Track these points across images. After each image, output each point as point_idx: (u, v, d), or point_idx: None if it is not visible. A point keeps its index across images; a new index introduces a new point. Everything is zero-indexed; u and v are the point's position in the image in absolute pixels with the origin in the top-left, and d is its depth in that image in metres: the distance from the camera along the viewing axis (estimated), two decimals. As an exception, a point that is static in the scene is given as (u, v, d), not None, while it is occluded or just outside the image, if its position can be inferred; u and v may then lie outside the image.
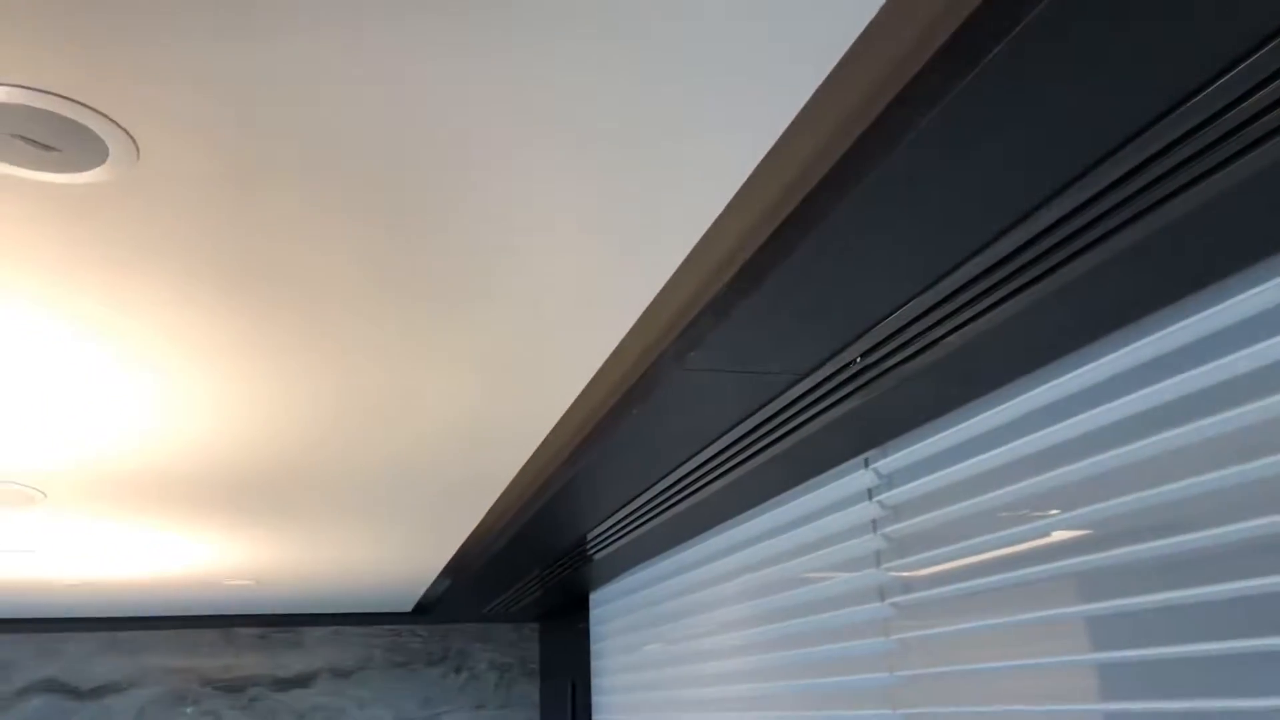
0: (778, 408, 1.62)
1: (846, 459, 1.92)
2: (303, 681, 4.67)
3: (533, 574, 3.50)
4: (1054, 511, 1.49)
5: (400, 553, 3.27)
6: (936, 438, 1.71)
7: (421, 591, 4.21)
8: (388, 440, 2.00)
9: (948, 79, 0.84)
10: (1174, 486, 1.26)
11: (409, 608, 4.73)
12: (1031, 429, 1.51)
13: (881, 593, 1.90)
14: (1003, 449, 1.56)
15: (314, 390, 1.70)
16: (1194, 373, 1.24)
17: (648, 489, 2.19)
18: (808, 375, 1.49)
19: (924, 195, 1.00)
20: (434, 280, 1.29)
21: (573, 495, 2.28)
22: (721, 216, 1.17)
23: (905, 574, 1.83)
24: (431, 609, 4.57)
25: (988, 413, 1.59)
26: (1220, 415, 1.21)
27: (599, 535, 2.77)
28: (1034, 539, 1.52)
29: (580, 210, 1.13)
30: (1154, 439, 1.29)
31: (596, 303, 1.39)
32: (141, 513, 2.54)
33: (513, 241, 1.20)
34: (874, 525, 1.92)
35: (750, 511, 2.40)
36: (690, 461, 1.96)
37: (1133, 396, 1.33)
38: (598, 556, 3.09)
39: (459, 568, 3.56)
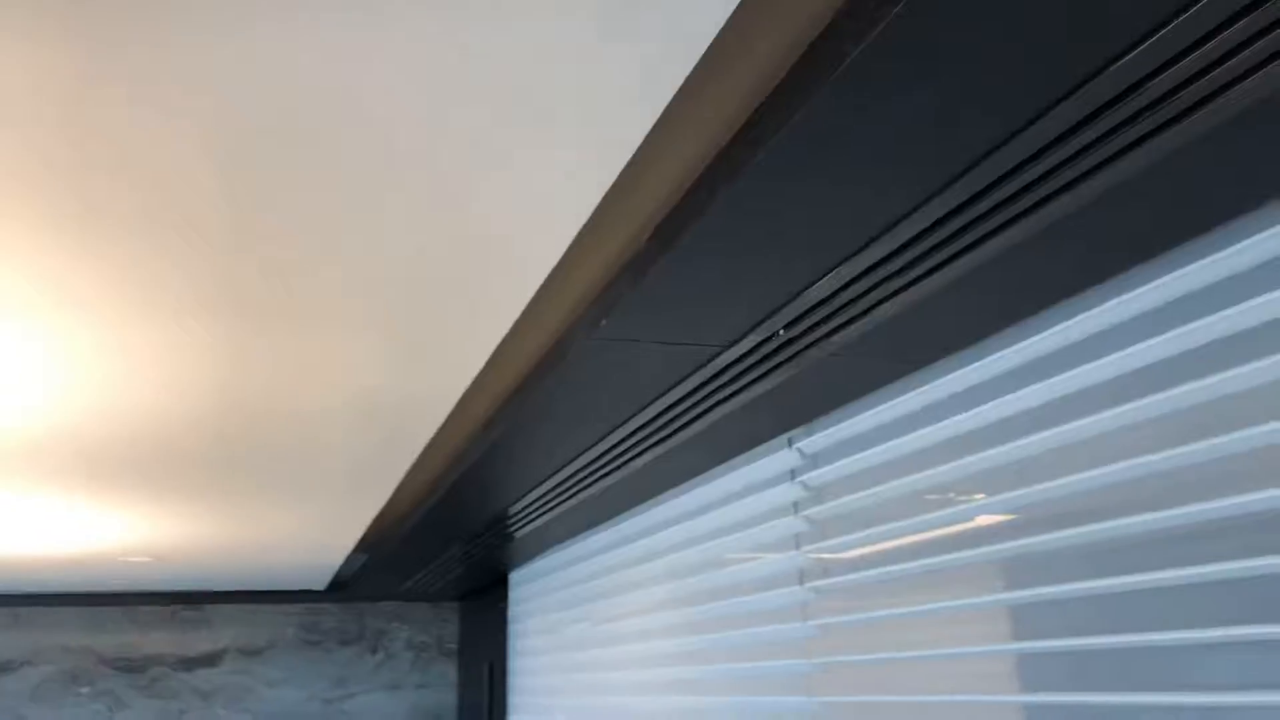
0: (698, 382, 1.54)
1: (769, 438, 1.85)
2: (209, 661, 4.51)
3: (452, 551, 3.40)
4: (979, 496, 1.44)
5: (311, 528, 3.15)
6: (861, 417, 1.65)
7: (335, 569, 4.08)
8: (289, 411, 1.89)
9: (869, 25, 0.76)
10: (1099, 472, 1.21)
11: (323, 585, 4.60)
12: (957, 410, 1.46)
13: (801, 576, 1.84)
14: (928, 430, 1.51)
15: (207, 357, 1.58)
16: (1122, 354, 1.19)
17: (566, 465, 2.11)
18: (729, 348, 1.41)
19: (848, 155, 0.92)
20: (320, 236, 1.19)
21: (490, 469, 2.19)
22: (633, 175, 1.09)
23: (826, 557, 1.77)
24: (347, 586, 4.45)
25: (914, 392, 1.53)
26: (1148, 399, 1.16)
27: (519, 512, 2.68)
28: (957, 524, 1.47)
29: (479, 162, 1.04)
30: (1082, 422, 1.25)
31: (499, 264, 1.29)
32: (35, 485, 2.40)
33: (405, 180, 1.11)
34: (795, 507, 1.86)
35: (672, 491, 2.33)
36: (609, 437, 1.88)
37: (1060, 378, 1.28)
38: (519, 534, 3.01)
39: (374, 544, 3.45)
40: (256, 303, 1.39)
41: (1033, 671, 1.33)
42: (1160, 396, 1.14)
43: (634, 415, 1.72)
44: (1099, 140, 0.89)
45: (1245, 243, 1.05)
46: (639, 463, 2.01)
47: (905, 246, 1.10)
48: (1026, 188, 0.97)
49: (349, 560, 3.83)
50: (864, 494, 1.65)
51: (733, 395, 1.58)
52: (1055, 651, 1.29)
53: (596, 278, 1.35)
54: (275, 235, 1.20)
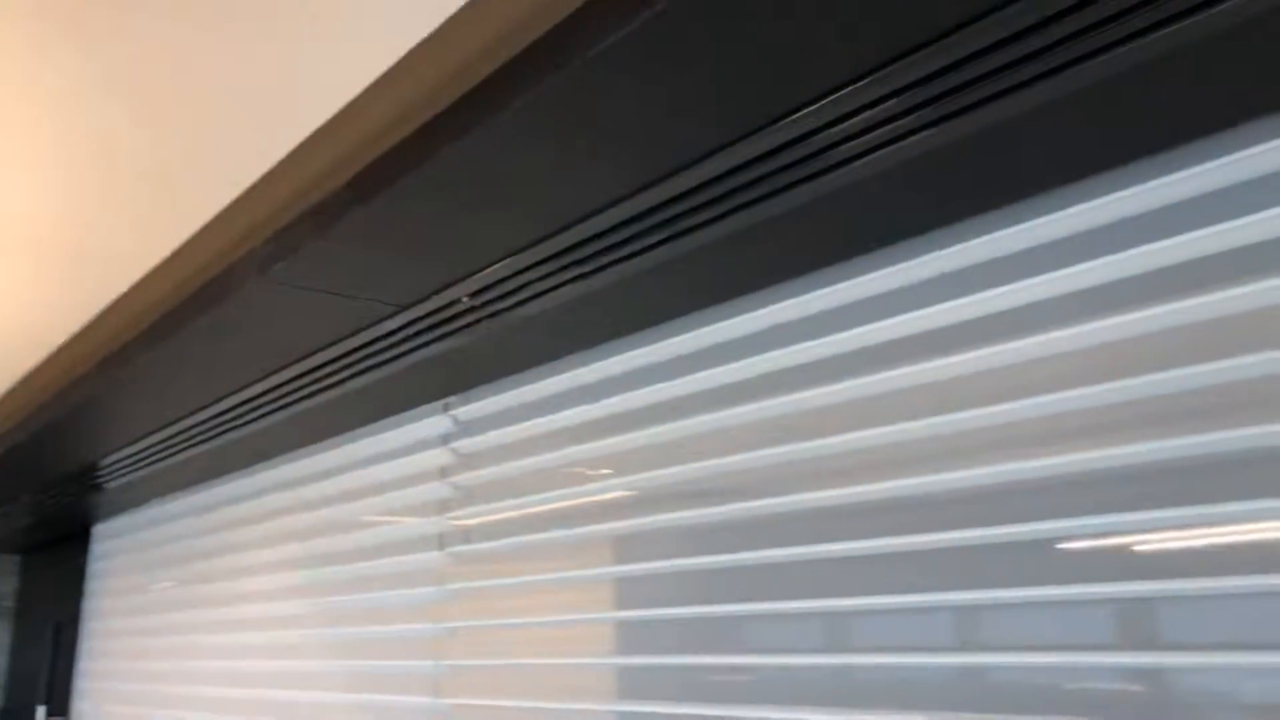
0: (366, 339, 1.50)
1: (426, 401, 1.84)
2: None
3: (21, 500, 3.02)
4: (605, 472, 1.53)
5: None
6: (521, 390, 1.69)
7: None
8: None
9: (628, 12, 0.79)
10: (720, 462, 1.33)
11: None
12: (609, 393, 1.54)
13: (441, 541, 1.85)
14: (577, 410, 1.58)
15: None
16: (764, 357, 1.32)
17: (197, 410, 1.95)
18: (408, 308, 1.39)
19: (574, 136, 0.95)
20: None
21: (95, 412, 1.97)
22: (342, 121, 1.04)
23: (467, 523, 1.79)
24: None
25: (572, 372, 1.59)
26: (777, 399, 1.29)
27: (120, 461, 2.44)
28: (591, 498, 1.55)
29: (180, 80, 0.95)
30: (716, 415, 1.36)
31: (170, 189, 1.19)
32: None
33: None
34: (443, 472, 1.87)
35: (312, 447, 2.23)
36: (251, 388, 1.78)
37: (702, 375, 1.39)
38: (112, 484, 2.73)
39: (-73, 485, 2.99)
40: None
41: (641, 638, 1.44)
42: (787, 398, 1.28)
43: (290, 364, 1.64)
44: (792, 165, 0.98)
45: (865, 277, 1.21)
46: (285, 414, 1.91)
47: (603, 234, 1.15)
48: (725, 195, 1.05)
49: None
50: (511, 465, 1.69)
51: (401, 356, 1.55)
52: (670, 619, 1.40)
53: (276, 218, 1.28)
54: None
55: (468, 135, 0.95)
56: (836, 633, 1.22)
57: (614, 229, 1.14)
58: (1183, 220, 0.97)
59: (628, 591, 1.49)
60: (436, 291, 1.32)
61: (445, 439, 1.87)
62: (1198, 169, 0.95)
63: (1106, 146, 0.94)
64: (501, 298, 1.32)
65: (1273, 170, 0.92)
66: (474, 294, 1.31)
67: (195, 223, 1.28)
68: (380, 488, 2.04)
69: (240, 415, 1.95)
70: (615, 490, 1.51)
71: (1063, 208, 1.04)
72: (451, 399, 1.84)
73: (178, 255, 1.42)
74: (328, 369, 1.64)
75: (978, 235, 1.11)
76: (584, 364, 1.58)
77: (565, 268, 1.22)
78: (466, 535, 1.80)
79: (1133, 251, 0.99)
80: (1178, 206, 0.98)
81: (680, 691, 1.37)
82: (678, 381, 1.43)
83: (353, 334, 1.49)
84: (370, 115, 1.03)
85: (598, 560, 1.54)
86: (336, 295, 1.35)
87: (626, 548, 1.50)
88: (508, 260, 1.22)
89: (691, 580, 1.39)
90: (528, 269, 1.24)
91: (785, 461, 1.29)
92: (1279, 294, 0.90)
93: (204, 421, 2.02)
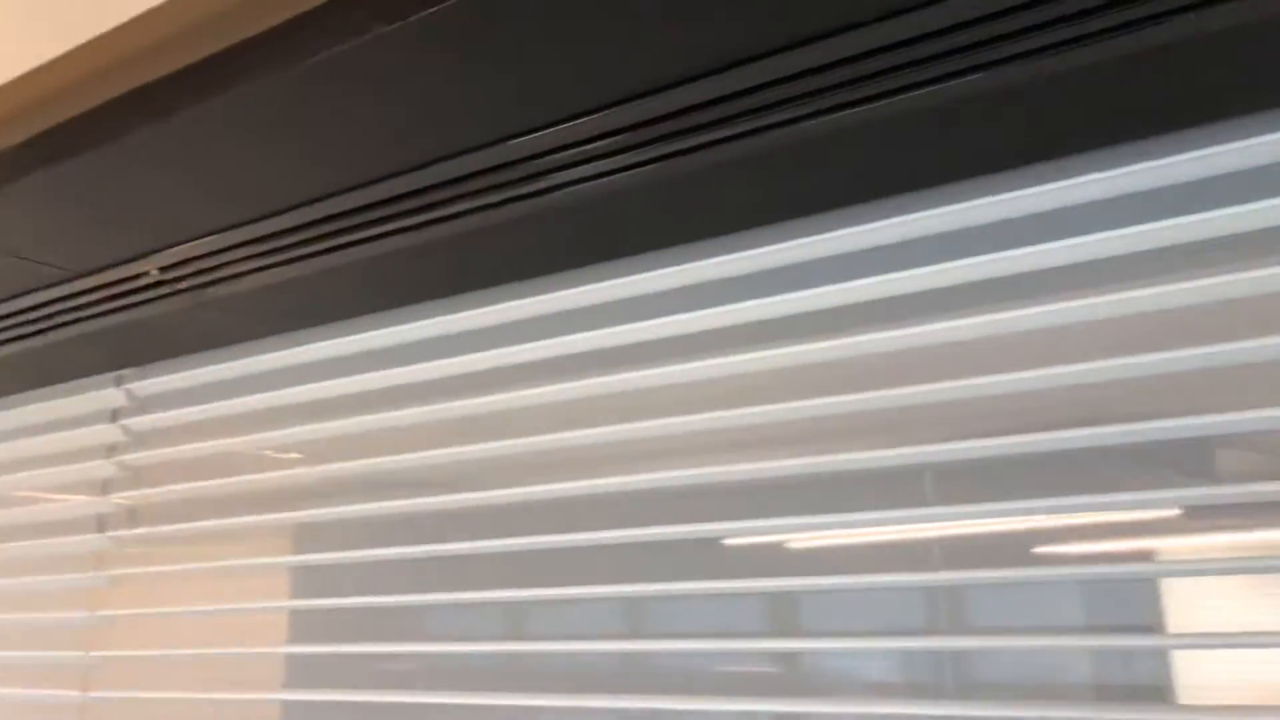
0: (34, 302, 1.39)
1: (96, 373, 1.72)
2: None
3: None
4: (290, 458, 1.52)
5: None
6: (207, 369, 1.62)
7: None
8: None
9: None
10: (404, 457, 1.37)
11: None
12: (300, 381, 1.52)
13: (101, 523, 1.73)
14: (266, 395, 1.54)
15: None
16: (452, 360, 1.36)
17: None
18: (85, 276, 1.30)
19: (259, 135, 0.94)
20: None
21: None
22: (38, 77, 0.97)
23: (134, 505, 1.70)
24: None
25: (263, 356, 1.55)
26: (463, 401, 1.34)
27: None
28: (271, 485, 1.52)
29: None
30: (404, 412, 1.39)
31: None
32: None
33: None
34: (110, 450, 1.75)
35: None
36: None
37: (392, 372, 1.42)
38: None
39: None
40: None
41: (311, 629, 1.44)
42: (441, 405, 1.33)
43: (-67, 326, 1.48)
44: (488, 189, 1.03)
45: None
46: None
47: (304, 226, 1.14)
48: (426, 206, 1.08)
49: None
50: (189, 446, 1.62)
51: (72, 324, 1.45)
52: (337, 609, 1.41)
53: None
54: None
55: (175, 116, 0.92)
56: (514, 622, 1.29)
57: (315, 223, 1.14)
58: (793, 279, 1.12)
59: (305, 580, 1.48)
60: (125, 261, 1.25)
61: (115, 415, 1.75)
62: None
63: (771, 202, 1.06)
64: (195, 274, 1.27)
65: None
66: (165, 268, 1.26)
67: None
68: (36, 462, 1.88)
69: None
70: (298, 479, 1.49)
71: (708, 255, 1.16)
72: (126, 372, 1.73)
73: None
74: (-18, 332, 1.50)
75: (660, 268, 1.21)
76: (276, 349, 1.54)
77: (264, 254, 1.20)
78: (132, 518, 1.70)
79: (775, 299, 1.13)
80: (809, 265, 1.12)
81: (354, 679, 1.39)
82: (368, 376, 1.44)
83: (15, 297, 1.37)
84: (68, 73, 0.97)
85: (276, 549, 1.52)
86: (8, 256, 1.24)
87: (306, 537, 1.49)
88: (206, 239, 1.18)
89: (372, 571, 1.40)
90: (226, 249, 1.21)
91: (471, 459, 1.33)
92: (903, 340, 1.05)
93: None
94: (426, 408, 1.37)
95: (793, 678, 1.10)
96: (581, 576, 1.23)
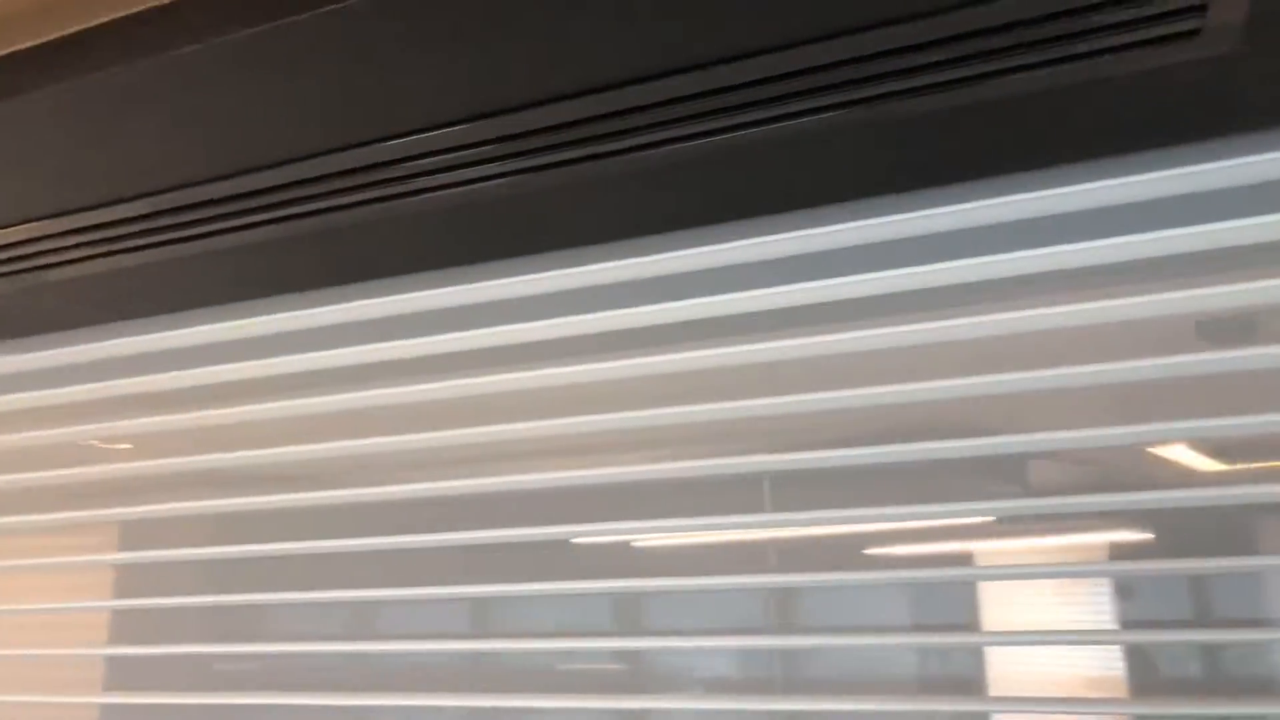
0: None
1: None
2: None
3: None
4: (120, 449, 1.46)
5: None
6: (32, 355, 1.53)
7: None
8: None
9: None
10: (244, 454, 1.34)
11: None
12: (133, 372, 1.46)
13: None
14: (96, 385, 1.47)
15: None
16: (301, 357, 1.34)
17: None
18: (-106, 255, 1.21)
19: (89, 121, 0.90)
20: None
21: None
22: None
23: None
24: None
25: (95, 344, 1.48)
26: (312, 399, 1.32)
27: None
28: (100, 479, 1.46)
29: None
30: (247, 408, 1.36)
31: None
32: None
33: None
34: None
35: None
36: None
37: (232, 366, 1.38)
38: None
39: None
40: None
41: (145, 627, 1.40)
42: (289, 402, 1.32)
43: None
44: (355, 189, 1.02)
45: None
46: None
47: (140, 218, 1.11)
48: (292, 200, 1.06)
49: None
50: (5, 437, 1.53)
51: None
52: (166, 609, 1.37)
53: None
54: None
55: (14, 98, 0.88)
56: (362, 622, 1.28)
57: (163, 213, 1.10)
58: (697, 285, 1.16)
59: (133, 579, 1.42)
60: (-61, 242, 1.17)
61: (-78, 401, 1.63)
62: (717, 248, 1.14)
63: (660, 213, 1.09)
64: (21, 259, 1.20)
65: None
66: (4, 247, 1.19)
67: None
68: None
69: None
70: (128, 471, 1.43)
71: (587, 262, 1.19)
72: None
73: None
74: None
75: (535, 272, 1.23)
76: (107, 338, 1.47)
77: (106, 240, 1.15)
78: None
79: (661, 306, 1.16)
80: (706, 273, 1.16)
81: (184, 681, 1.35)
82: (210, 369, 1.39)
83: None
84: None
85: (102, 545, 1.45)
86: None
87: (135, 533, 1.43)
88: (41, 222, 1.12)
89: (208, 569, 1.36)
90: (55, 235, 1.15)
91: (318, 458, 1.31)
92: (747, 355, 1.10)
93: None
94: (273, 404, 1.34)
95: (636, 675, 1.14)
96: (430, 577, 1.23)
